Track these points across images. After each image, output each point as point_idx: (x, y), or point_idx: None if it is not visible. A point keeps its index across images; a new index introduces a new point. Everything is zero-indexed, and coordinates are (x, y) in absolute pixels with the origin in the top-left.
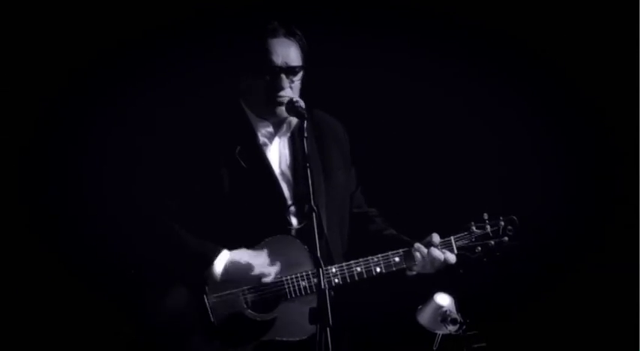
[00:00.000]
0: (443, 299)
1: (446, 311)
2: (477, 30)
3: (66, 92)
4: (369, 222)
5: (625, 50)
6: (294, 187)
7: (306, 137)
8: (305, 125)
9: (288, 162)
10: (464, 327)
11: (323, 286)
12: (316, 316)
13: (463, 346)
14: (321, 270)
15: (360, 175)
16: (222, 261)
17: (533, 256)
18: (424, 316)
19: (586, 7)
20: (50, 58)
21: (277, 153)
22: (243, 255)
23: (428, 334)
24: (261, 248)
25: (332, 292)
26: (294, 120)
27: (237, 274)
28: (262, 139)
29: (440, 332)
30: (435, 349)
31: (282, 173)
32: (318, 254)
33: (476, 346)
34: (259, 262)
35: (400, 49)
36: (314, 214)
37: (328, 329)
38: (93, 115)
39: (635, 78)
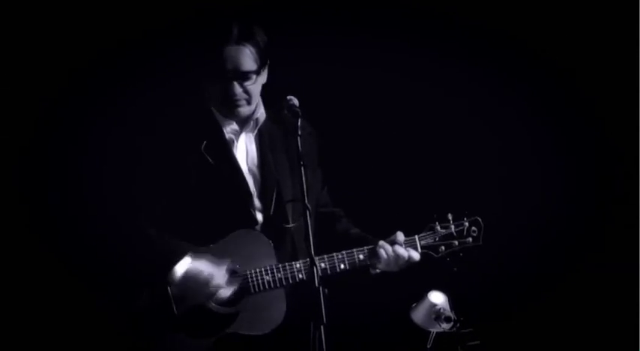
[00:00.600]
0: (437, 297)
1: (440, 309)
2: (476, 30)
3: (66, 92)
4: (335, 221)
5: (625, 50)
6: (261, 182)
7: (300, 135)
8: (299, 124)
9: (254, 158)
10: (458, 325)
11: (317, 284)
12: (310, 313)
13: (457, 343)
14: (315, 268)
15: (331, 175)
16: (182, 268)
17: (533, 255)
18: (418, 315)
19: (586, 7)
20: (50, 58)
21: (244, 149)
22: (202, 266)
23: (422, 333)
24: (224, 246)
25: (326, 290)
26: (260, 117)
27: (194, 285)
28: (228, 135)
29: (434, 330)
30: (429, 347)
31: (249, 169)
32: (312, 252)
33: (470, 343)
34: (218, 274)
35: (400, 49)
36: (307, 211)
37: (322, 327)
38: (93, 115)
39: (635, 78)
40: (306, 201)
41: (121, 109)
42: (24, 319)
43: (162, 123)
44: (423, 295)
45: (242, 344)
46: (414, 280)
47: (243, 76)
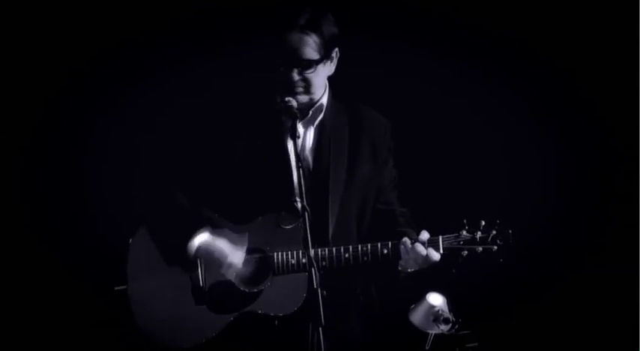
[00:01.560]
0: (435, 299)
1: (438, 311)
2: (476, 30)
3: (66, 92)
4: (391, 219)
5: (625, 50)
6: (312, 173)
7: (298, 137)
8: (297, 125)
9: (309, 148)
10: (456, 326)
11: (316, 286)
12: (309, 315)
13: (455, 345)
14: (313, 269)
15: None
16: (198, 240)
17: (533, 256)
18: (417, 316)
19: (586, 7)
20: (50, 58)
21: (300, 138)
22: (218, 244)
23: (420, 334)
24: (256, 225)
25: (324, 292)
26: (320, 108)
27: (208, 259)
28: (285, 124)
29: (432, 332)
30: (427, 348)
31: (304, 158)
32: (312, 253)
33: (468, 345)
34: (234, 253)
35: (399, 49)
36: (306, 214)
37: (321, 329)
38: (93, 115)
39: (635, 78)
40: (304, 202)
41: (121, 109)
42: (24, 319)
43: (218, 105)
44: (421, 296)
45: (249, 336)
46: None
47: (303, 64)
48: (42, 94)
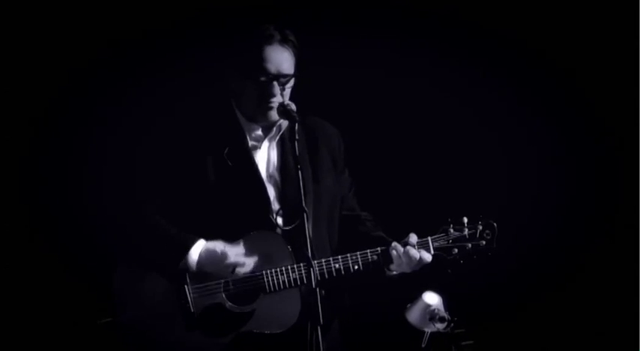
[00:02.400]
0: (431, 298)
1: (434, 309)
2: (477, 30)
3: (66, 92)
4: (358, 224)
5: (625, 50)
6: (282, 189)
7: (297, 139)
8: (296, 128)
9: (276, 165)
10: (452, 325)
11: (314, 286)
12: (307, 314)
13: (451, 343)
14: (312, 270)
15: (354, 179)
16: (197, 249)
17: (533, 256)
18: (413, 315)
19: (586, 7)
20: (50, 58)
21: (266, 156)
22: (218, 245)
23: (417, 332)
24: (240, 241)
25: (323, 291)
26: (284, 124)
27: (211, 263)
28: (251, 142)
29: (428, 330)
30: (423, 346)
31: (270, 176)
32: (309, 253)
33: (464, 343)
34: (234, 252)
35: (399, 49)
36: (305, 215)
37: (319, 328)
38: (93, 115)
39: (635, 78)
40: (304, 204)
41: (120, 110)
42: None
43: (184, 122)
44: (417, 295)
45: (251, 345)
46: (411, 281)
47: (283, 78)
48: (42, 93)
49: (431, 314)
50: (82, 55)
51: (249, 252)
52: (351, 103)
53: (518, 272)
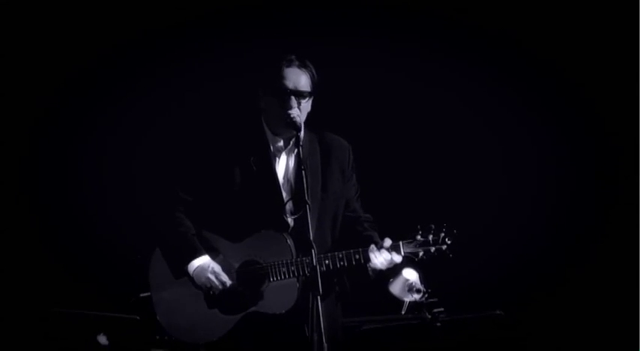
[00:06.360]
0: (410, 273)
1: (412, 283)
2: (476, 30)
3: (66, 92)
4: (356, 224)
5: (625, 50)
6: (295, 194)
7: (302, 146)
8: (301, 136)
9: (291, 173)
10: (426, 295)
11: (315, 263)
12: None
13: (425, 310)
14: (313, 251)
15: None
16: (197, 263)
17: (533, 256)
18: (395, 287)
19: (586, 7)
20: (50, 58)
21: (284, 165)
22: (215, 266)
23: (398, 301)
24: (251, 242)
25: (323, 267)
26: (301, 138)
27: (199, 278)
28: (274, 151)
29: (407, 300)
30: (403, 313)
31: (287, 181)
32: (311, 237)
33: (435, 310)
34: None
35: (399, 49)
36: (307, 207)
37: (319, 297)
38: (93, 115)
39: (635, 78)
40: (307, 197)
41: (120, 110)
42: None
43: (220, 134)
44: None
45: (257, 322)
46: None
47: (300, 94)
48: (42, 93)
49: (409, 287)
50: (82, 55)
51: (256, 246)
52: (352, 104)
53: (521, 272)
